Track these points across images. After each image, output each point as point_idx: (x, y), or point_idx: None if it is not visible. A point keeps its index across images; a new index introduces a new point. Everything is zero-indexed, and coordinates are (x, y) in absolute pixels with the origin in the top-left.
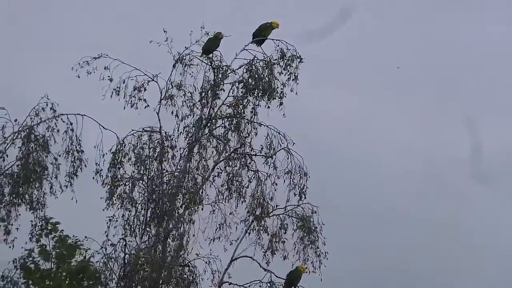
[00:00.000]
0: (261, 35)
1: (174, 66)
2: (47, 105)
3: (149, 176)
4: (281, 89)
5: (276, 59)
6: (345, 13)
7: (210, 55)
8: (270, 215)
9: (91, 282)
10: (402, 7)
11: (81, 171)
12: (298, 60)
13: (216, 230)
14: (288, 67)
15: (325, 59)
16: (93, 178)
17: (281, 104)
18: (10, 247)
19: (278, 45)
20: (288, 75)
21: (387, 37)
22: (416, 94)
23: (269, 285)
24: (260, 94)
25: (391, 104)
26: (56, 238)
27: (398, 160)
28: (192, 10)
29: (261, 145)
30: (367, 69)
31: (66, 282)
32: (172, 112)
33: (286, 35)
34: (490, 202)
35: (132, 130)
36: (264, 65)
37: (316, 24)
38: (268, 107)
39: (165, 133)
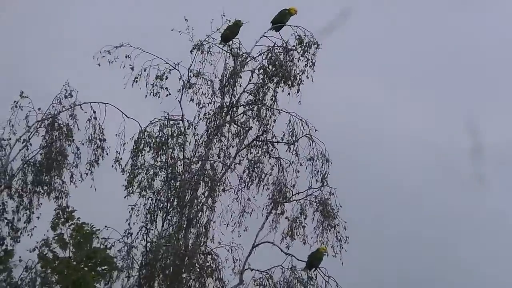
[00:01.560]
0: (280, 21)
1: (191, 52)
2: (67, 92)
3: (170, 164)
4: (299, 76)
5: (294, 45)
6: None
7: (229, 43)
8: (291, 200)
9: (103, 268)
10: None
11: (103, 159)
12: (315, 46)
13: (237, 217)
14: (306, 53)
15: (341, 47)
16: (112, 166)
17: (298, 91)
18: (29, 235)
19: (296, 32)
20: (306, 61)
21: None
22: (430, 85)
23: (289, 270)
24: (281, 80)
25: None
26: (73, 226)
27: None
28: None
29: (283, 132)
30: (383, 59)
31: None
32: (193, 100)
33: (304, 22)
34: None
35: (155, 118)
36: (283, 51)
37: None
38: (288, 93)
39: (187, 121)
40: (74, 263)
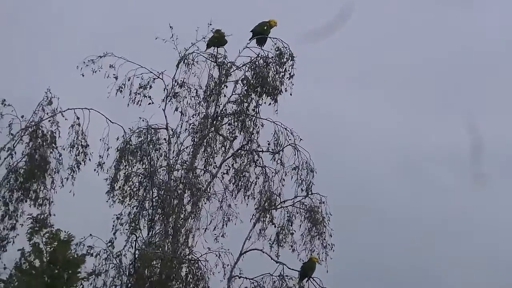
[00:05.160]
0: (260, 32)
1: (177, 65)
2: (47, 98)
3: (154, 173)
4: (279, 86)
5: (273, 57)
6: (345, 12)
7: (215, 51)
8: (278, 207)
9: (74, 272)
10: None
11: (85, 164)
12: (290, 58)
13: (223, 225)
14: (284, 65)
15: (322, 56)
16: (95, 170)
17: (276, 101)
18: (11, 243)
19: (275, 44)
20: (283, 72)
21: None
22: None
23: (279, 278)
24: (263, 91)
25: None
26: (48, 234)
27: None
28: (198, 7)
29: (268, 141)
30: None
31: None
32: (177, 109)
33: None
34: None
35: (139, 127)
36: (264, 63)
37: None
38: (269, 104)
39: (172, 130)
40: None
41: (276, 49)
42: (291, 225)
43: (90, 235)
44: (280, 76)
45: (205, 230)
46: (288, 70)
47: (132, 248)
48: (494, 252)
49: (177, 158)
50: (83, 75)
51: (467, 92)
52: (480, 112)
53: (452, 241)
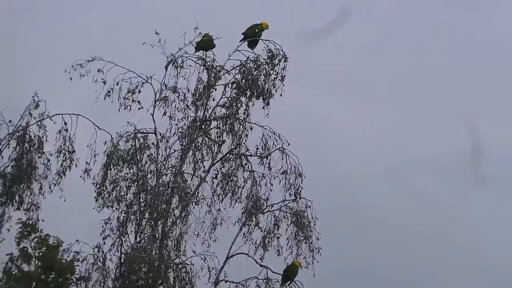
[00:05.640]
0: (251, 35)
1: (166, 68)
2: (34, 102)
3: (142, 177)
4: (269, 89)
5: (265, 59)
6: (344, 13)
7: (204, 55)
8: (265, 211)
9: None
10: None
11: (70, 170)
12: (283, 59)
13: (211, 230)
14: (276, 67)
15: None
16: (81, 176)
17: (268, 104)
18: None
19: (267, 46)
20: (275, 75)
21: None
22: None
23: (265, 281)
24: (253, 95)
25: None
26: (36, 239)
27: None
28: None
29: (256, 146)
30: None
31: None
32: (165, 113)
33: (280, 35)
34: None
35: (127, 132)
36: (254, 66)
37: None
38: (263, 107)
39: (160, 134)
40: (37, 276)
41: (268, 51)
42: (278, 229)
43: (77, 240)
44: (272, 78)
45: (197, 236)
46: (280, 72)
47: (118, 252)
48: (479, 259)
49: (165, 162)
50: (71, 79)
51: (462, 97)
52: (468, 118)
53: (439, 246)
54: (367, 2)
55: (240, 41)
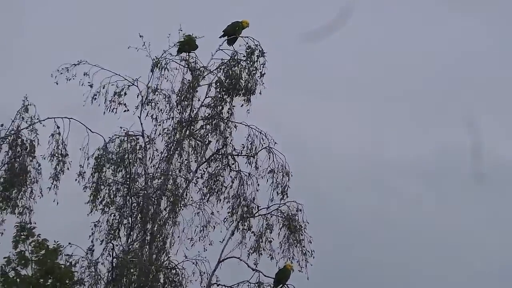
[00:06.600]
0: (232, 33)
1: (152, 71)
2: (24, 105)
3: (131, 180)
4: (253, 86)
5: (244, 56)
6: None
7: (187, 56)
8: (256, 215)
9: (64, 284)
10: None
11: (63, 174)
12: (260, 54)
13: (200, 231)
14: (255, 63)
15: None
16: (76, 179)
17: (249, 101)
18: None
19: (247, 43)
20: (254, 71)
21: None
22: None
23: (257, 285)
24: (235, 93)
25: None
26: (34, 243)
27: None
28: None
29: (243, 145)
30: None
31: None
32: (152, 116)
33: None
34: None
35: (115, 134)
36: (234, 63)
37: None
38: (242, 105)
39: (147, 136)
40: (35, 280)
41: (248, 48)
42: (270, 233)
43: (69, 243)
44: (252, 74)
45: (191, 240)
46: (259, 69)
47: (110, 256)
48: (463, 265)
49: (153, 164)
50: (57, 83)
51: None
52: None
53: (423, 249)
54: (367, 2)
55: (220, 37)
